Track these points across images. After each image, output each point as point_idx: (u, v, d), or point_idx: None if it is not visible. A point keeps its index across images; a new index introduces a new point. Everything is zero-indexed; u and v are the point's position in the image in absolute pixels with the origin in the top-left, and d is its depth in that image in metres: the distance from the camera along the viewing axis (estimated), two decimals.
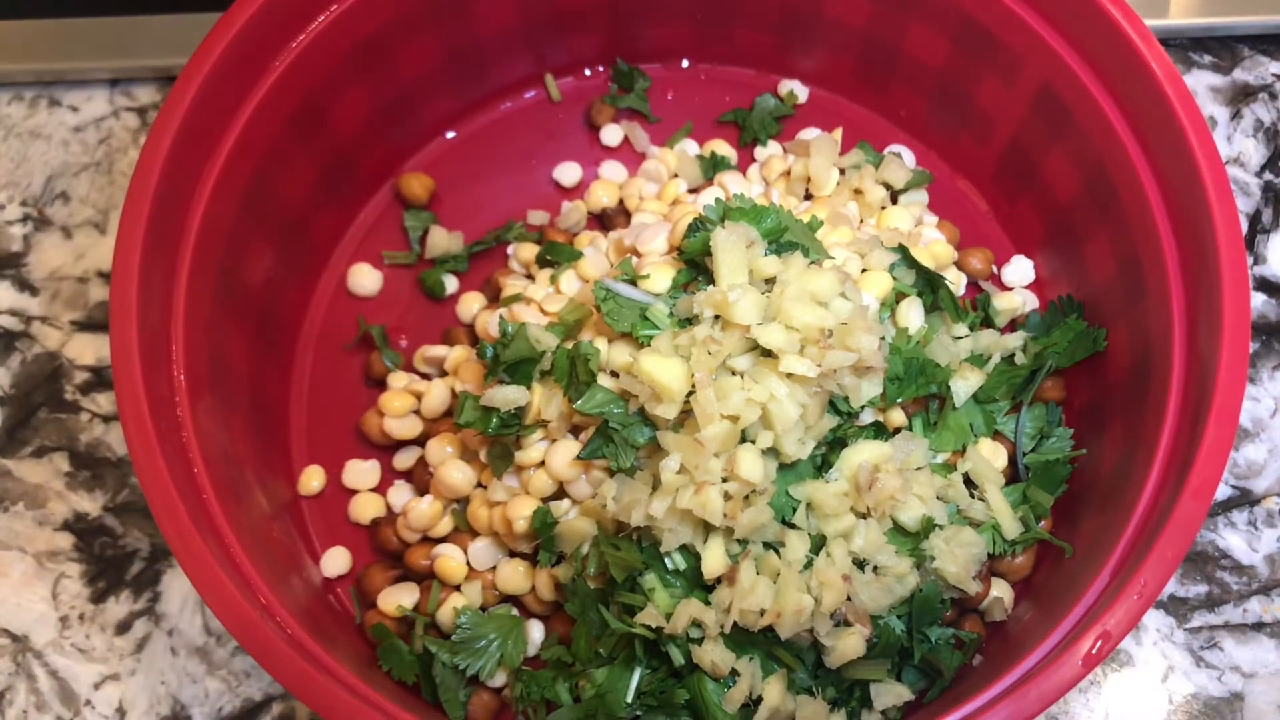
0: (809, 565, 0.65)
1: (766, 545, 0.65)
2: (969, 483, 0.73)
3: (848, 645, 0.64)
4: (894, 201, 0.86)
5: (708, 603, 0.65)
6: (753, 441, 0.64)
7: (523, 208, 0.87)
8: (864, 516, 0.67)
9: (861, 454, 0.67)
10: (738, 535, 0.64)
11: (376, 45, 0.78)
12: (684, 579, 0.66)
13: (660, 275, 0.69)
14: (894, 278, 0.74)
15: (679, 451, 0.64)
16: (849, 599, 0.65)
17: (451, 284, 0.85)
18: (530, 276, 0.83)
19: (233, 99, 0.72)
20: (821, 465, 0.67)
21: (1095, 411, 0.76)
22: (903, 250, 0.76)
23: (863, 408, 0.68)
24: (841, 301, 0.66)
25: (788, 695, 0.66)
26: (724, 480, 0.64)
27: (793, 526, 0.66)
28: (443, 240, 0.85)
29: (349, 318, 0.84)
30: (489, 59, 0.86)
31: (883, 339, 0.67)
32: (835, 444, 0.68)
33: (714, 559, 0.64)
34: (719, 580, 0.64)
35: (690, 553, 0.65)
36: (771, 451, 0.65)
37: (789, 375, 0.64)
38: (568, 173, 0.88)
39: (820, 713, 0.66)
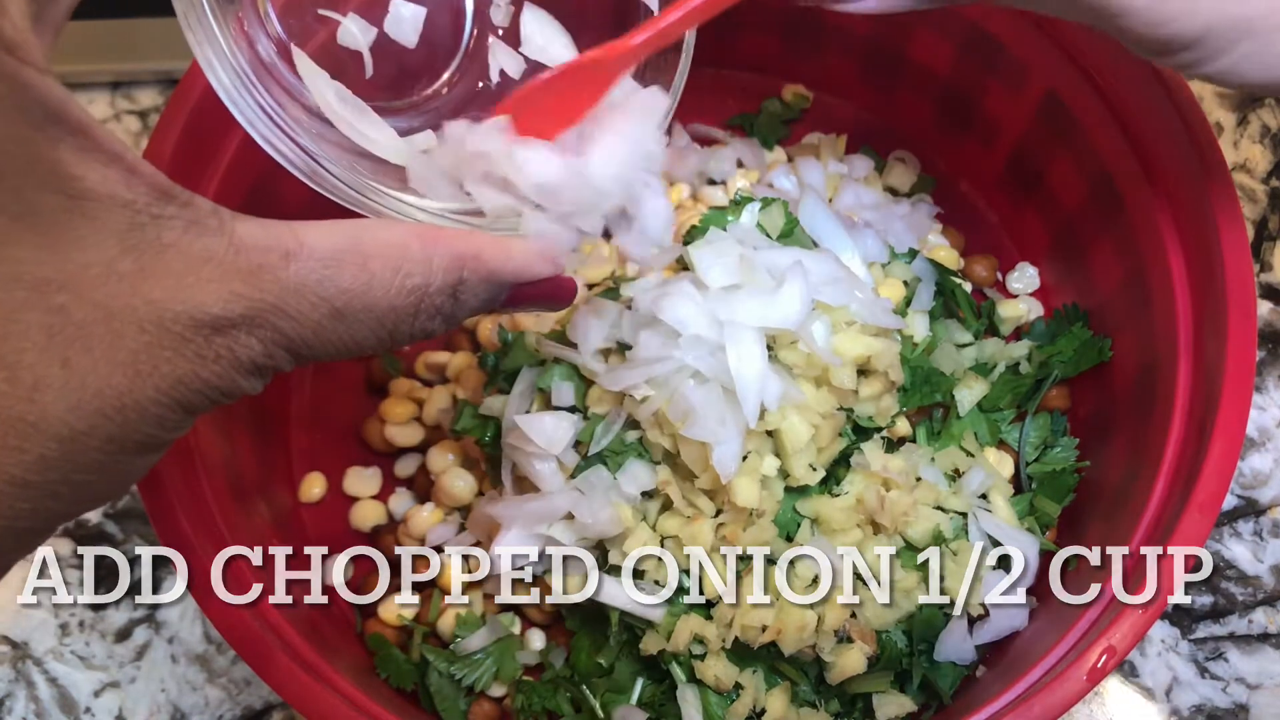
0: (814, 581, 0.65)
1: (770, 561, 0.65)
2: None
3: (848, 662, 0.64)
4: None
5: (709, 618, 0.64)
6: (760, 456, 0.64)
7: None
8: (874, 530, 0.67)
9: (868, 463, 0.67)
10: (740, 554, 0.64)
11: None
12: (685, 595, 0.65)
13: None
14: (904, 283, 0.74)
15: (674, 484, 0.64)
16: (853, 615, 0.64)
17: None
18: None
19: None
20: (828, 479, 0.67)
21: (1100, 421, 0.75)
22: (912, 253, 0.76)
23: (883, 427, 0.68)
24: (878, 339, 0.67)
25: (791, 708, 0.66)
26: (719, 512, 0.64)
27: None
28: None
29: None
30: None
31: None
32: (841, 458, 0.67)
33: (714, 579, 0.64)
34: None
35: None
36: (780, 472, 0.65)
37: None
38: None
39: None
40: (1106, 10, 0.51)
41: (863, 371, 0.67)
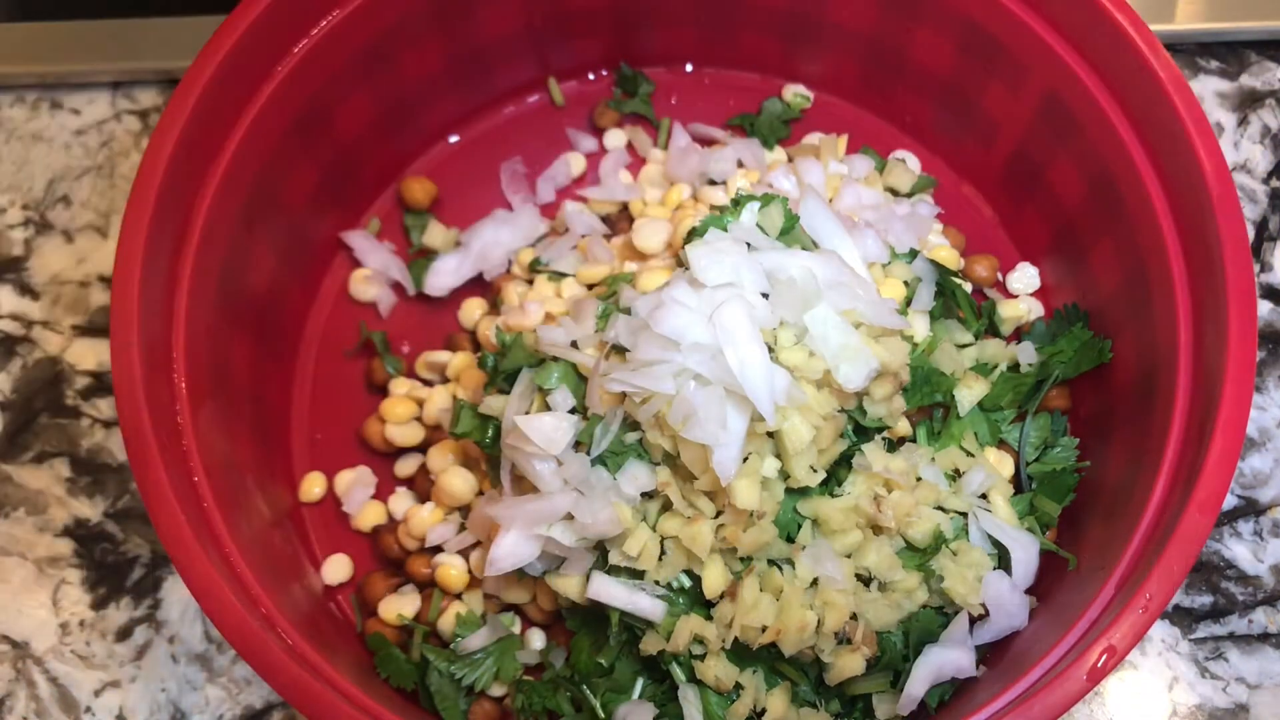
0: (814, 583, 0.65)
1: (771, 561, 0.65)
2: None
3: (847, 663, 0.64)
4: None
5: (709, 618, 0.64)
6: (760, 457, 0.64)
7: None
8: (874, 532, 0.67)
9: (870, 463, 0.67)
10: (741, 554, 0.64)
11: (379, 49, 0.78)
12: (685, 595, 0.66)
13: (655, 279, 0.69)
14: (905, 283, 0.74)
15: (674, 484, 0.64)
16: (854, 618, 0.64)
17: (441, 273, 0.84)
18: (530, 281, 0.83)
19: (236, 103, 0.71)
20: (828, 480, 0.67)
21: (1101, 421, 0.75)
22: (912, 253, 0.76)
23: (888, 427, 0.68)
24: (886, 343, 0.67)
25: (791, 708, 0.66)
26: (719, 514, 0.64)
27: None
28: (439, 236, 0.85)
29: (351, 324, 0.84)
30: (492, 63, 0.86)
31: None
32: (842, 459, 0.67)
33: (714, 579, 0.64)
34: (721, 596, 0.64)
35: (692, 573, 0.65)
36: (781, 472, 0.65)
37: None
38: (570, 176, 0.88)
39: None
40: None
41: None
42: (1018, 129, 0.81)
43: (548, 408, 0.67)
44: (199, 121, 0.68)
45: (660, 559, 0.65)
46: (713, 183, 0.85)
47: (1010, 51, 0.77)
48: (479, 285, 0.84)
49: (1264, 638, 0.79)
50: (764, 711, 0.66)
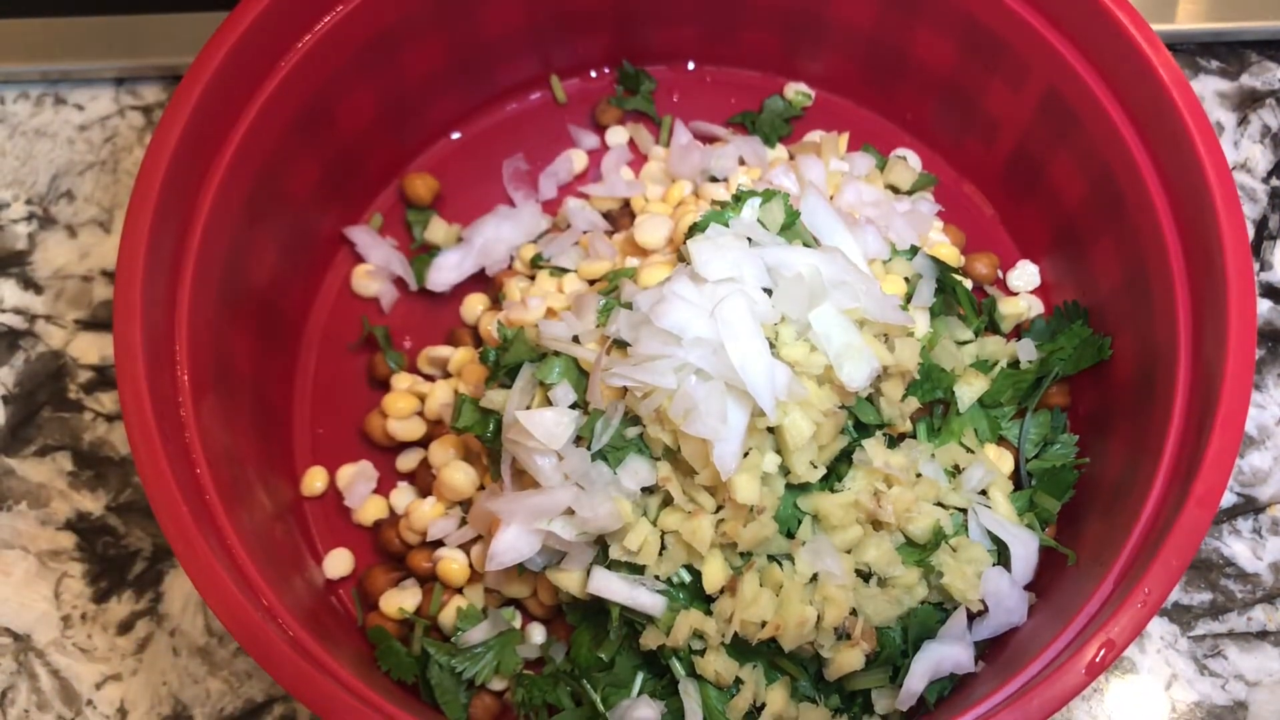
0: (814, 578, 0.65)
1: (771, 557, 0.65)
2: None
3: (846, 658, 0.64)
4: None
5: (709, 613, 0.65)
6: (761, 452, 0.64)
7: None
8: (874, 527, 0.67)
9: (870, 459, 0.67)
10: (741, 549, 0.64)
11: (383, 45, 0.78)
12: (685, 590, 0.66)
13: (657, 274, 0.69)
14: (905, 279, 0.74)
15: (674, 479, 0.64)
16: (854, 613, 0.65)
17: (443, 269, 0.84)
18: (532, 277, 0.83)
19: (238, 98, 0.72)
20: (829, 475, 0.67)
21: (1100, 418, 0.76)
22: (913, 250, 0.76)
23: (883, 425, 0.68)
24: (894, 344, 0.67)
25: (791, 703, 0.66)
26: (719, 509, 0.64)
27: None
28: (441, 232, 0.85)
29: (353, 318, 0.84)
30: (495, 60, 0.86)
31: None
32: (842, 454, 0.68)
33: (714, 573, 0.64)
34: (721, 591, 0.64)
35: (692, 568, 0.66)
36: (781, 468, 0.65)
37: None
38: (572, 173, 0.88)
39: None
40: None
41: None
42: (1018, 127, 0.81)
43: (549, 402, 0.67)
44: (202, 117, 0.69)
45: (660, 554, 0.65)
46: (714, 180, 0.85)
47: (1011, 49, 0.77)
48: (481, 281, 0.85)
49: (1262, 635, 0.79)
50: (763, 706, 0.66)
